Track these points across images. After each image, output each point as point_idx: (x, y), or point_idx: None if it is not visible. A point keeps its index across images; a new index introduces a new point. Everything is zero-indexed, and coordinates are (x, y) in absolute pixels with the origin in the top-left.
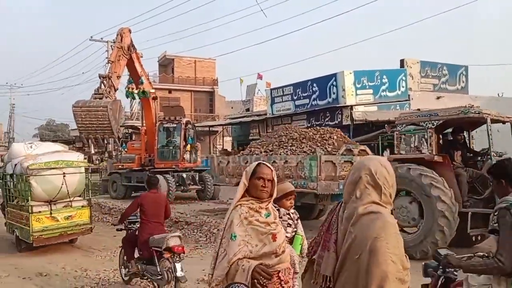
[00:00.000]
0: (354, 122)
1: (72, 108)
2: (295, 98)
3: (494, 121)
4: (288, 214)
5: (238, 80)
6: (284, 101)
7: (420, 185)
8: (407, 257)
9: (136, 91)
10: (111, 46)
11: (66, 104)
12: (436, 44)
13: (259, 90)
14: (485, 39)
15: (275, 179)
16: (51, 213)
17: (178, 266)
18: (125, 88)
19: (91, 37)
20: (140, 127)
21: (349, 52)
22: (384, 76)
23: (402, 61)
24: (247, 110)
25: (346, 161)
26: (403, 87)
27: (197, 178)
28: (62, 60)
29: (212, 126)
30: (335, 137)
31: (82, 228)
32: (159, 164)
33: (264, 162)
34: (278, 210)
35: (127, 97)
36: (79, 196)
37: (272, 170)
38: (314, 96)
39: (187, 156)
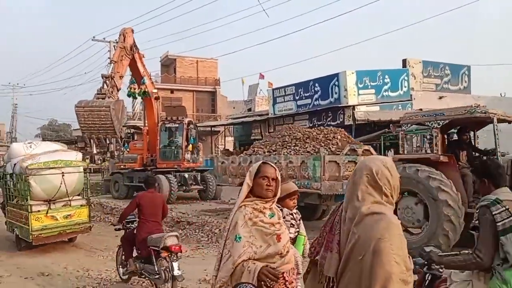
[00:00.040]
0: (356, 122)
1: (75, 108)
2: (297, 98)
3: (500, 120)
4: (291, 214)
5: (240, 80)
6: (286, 101)
7: (427, 187)
8: (411, 258)
9: (137, 91)
10: (113, 46)
11: (68, 104)
12: (438, 44)
13: (261, 90)
14: (487, 39)
15: (279, 178)
16: (48, 212)
17: (175, 265)
18: (127, 88)
19: (94, 37)
20: (142, 127)
21: (351, 52)
22: (386, 76)
23: (404, 61)
24: (249, 110)
25: (350, 161)
26: (405, 87)
27: (199, 178)
28: (65, 60)
29: (214, 126)
30: (339, 137)
31: (81, 227)
32: (161, 164)
33: (267, 161)
34: (281, 210)
35: (129, 96)
36: (78, 195)
37: (275, 169)
38: (316, 96)
39: (188, 156)
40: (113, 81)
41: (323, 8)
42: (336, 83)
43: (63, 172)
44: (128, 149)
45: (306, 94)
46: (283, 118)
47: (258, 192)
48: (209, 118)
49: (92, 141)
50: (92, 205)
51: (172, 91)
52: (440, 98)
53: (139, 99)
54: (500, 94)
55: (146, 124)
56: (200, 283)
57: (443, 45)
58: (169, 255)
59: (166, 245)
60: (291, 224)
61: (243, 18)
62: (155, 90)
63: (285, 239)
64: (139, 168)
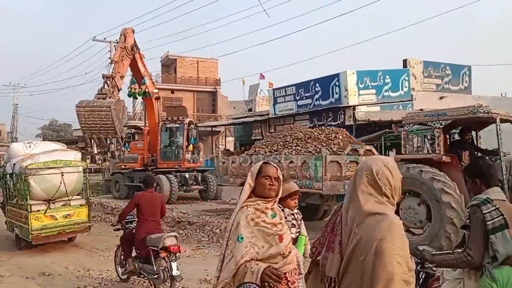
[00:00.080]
0: (357, 122)
1: (76, 108)
2: (297, 98)
3: (502, 120)
4: (292, 214)
5: (240, 80)
6: (287, 101)
7: (431, 189)
8: (413, 258)
9: (138, 91)
10: (114, 46)
11: (69, 104)
12: (439, 44)
13: (261, 90)
14: (488, 39)
15: (281, 177)
16: (48, 212)
17: (174, 265)
18: (128, 88)
19: (94, 37)
20: (143, 127)
21: (352, 52)
22: (387, 76)
23: (404, 61)
24: (250, 110)
25: (352, 161)
26: (406, 87)
27: (199, 178)
28: (65, 60)
29: (215, 126)
30: (340, 137)
31: (81, 227)
32: (162, 164)
33: (268, 161)
34: (283, 210)
35: (130, 96)
36: (78, 195)
37: (277, 169)
38: (316, 96)
39: (189, 156)
40: (114, 81)
41: (324, 8)
42: (337, 83)
43: (62, 172)
44: (128, 149)
45: (306, 94)
46: (283, 118)
47: (261, 192)
48: (209, 118)
49: (92, 141)
50: (93, 205)
51: (172, 91)
52: (441, 98)
53: (139, 99)
54: (501, 94)
55: (147, 124)
56: (201, 283)
57: (443, 45)
58: (168, 255)
59: (165, 245)
60: (292, 224)
61: (243, 18)
62: (156, 90)
63: (287, 239)
64: (139, 168)
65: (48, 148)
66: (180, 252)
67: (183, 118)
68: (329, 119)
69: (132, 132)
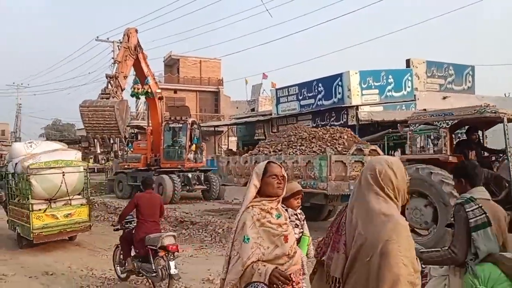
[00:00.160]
0: (360, 122)
1: (79, 108)
2: (300, 98)
3: (509, 120)
4: (296, 214)
5: (243, 80)
6: (290, 101)
7: (440, 192)
8: (418, 259)
9: (141, 91)
10: (117, 46)
11: (72, 104)
12: (442, 44)
13: (264, 90)
14: (491, 39)
15: (286, 176)
16: (48, 211)
17: (172, 264)
18: (131, 88)
19: (97, 37)
20: (146, 127)
21: (355, 52)
22: (390, 76)
23: (408, 61)
24: (252, 110)
25: (357, 161)
26: (409, 87)
27: (202, 178)
28: (69, 60)
29: (217, 126)
30: (345, 136)
31: (81, 226)
32: (165, 164)
33: (272, 161)
34: (286, 210)
35: (133, 96)
36: (79, 194)
37: (281, 168)
38: (319, 96)
39: (192, 156)
40: (117, 81)
41: (327, 8)
42: (340, 83)
43: (63, 172)
44: (132, 149)
45: (309, 94)
46: (286, 118)
47: (268, 192)
48: (212, 118)
49: (96, 140)
50: (96, 204)
51: (175, 91)
52: (444, 98)
53: (142, 99)
54: (504, 94)
55: (150, 124)
56: (204, 282)
57: (446, 45)
58: (166, 254)
59: (163, 244)
60: (296, 224)
61: (246, 18)
62: (159, 90)
63: (292, 240)
64: (142, 168)
65: (49, 148)
66: (178, 251)
67: (186, 118)
68: (332, 119)
69: (135, 132)
